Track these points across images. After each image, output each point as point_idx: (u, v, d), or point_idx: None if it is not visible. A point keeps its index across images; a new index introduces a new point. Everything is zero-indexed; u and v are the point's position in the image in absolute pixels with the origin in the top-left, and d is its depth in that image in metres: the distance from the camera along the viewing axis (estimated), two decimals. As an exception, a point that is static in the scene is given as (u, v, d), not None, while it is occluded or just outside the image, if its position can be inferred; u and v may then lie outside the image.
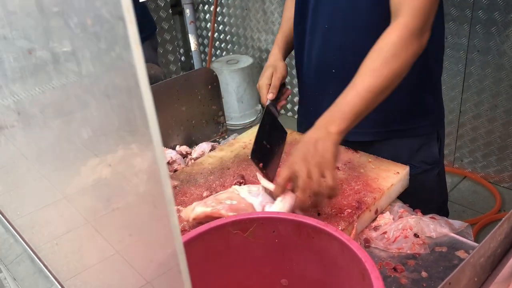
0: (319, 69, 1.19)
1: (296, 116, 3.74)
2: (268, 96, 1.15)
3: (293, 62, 3.42)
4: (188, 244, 0.66)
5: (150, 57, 2.38)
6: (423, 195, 1.25)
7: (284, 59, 1.26)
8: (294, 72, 3.43)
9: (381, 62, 0.93)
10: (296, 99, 3.55)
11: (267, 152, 1.07)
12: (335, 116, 0.93)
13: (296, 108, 3.58)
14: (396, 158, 1.19)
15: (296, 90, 3.63)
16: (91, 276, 0.64)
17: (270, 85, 1.17)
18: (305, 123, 1.32)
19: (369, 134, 1.21)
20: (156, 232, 0.30)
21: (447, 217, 1.33)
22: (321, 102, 1.21)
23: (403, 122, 1.19)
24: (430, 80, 1.21)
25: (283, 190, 0.90)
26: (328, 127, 0.92)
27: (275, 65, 1.21)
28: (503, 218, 0.70)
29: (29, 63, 0.36)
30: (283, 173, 0.90)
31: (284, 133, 1.16)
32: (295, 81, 3.53)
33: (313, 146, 0.89)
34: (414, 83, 1.14)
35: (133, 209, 0.33)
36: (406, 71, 0.97)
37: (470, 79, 2.50)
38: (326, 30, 1.13)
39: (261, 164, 1.02)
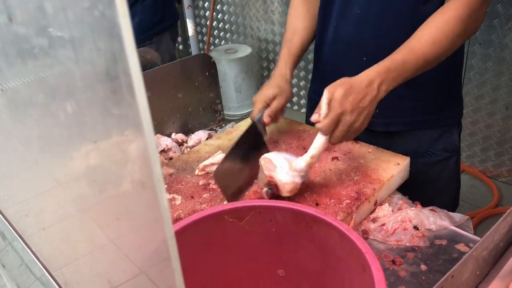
0: (348, 58, 1.14)
1: (295, 108, 3.68)
2: (264, 119, 1.08)
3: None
4: (182, 232, 0.64)
5: (168, 48, 2.25)
6: (440, 183, 1.24)
7: (291, 79, 1.18)
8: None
9: (444, 35, 0.93)
10: (295, 90, 3.52)
11: (236, 172, 1.02)
12: (390, 75, 0.93)
13: (300, 101, 3.55)
14: (417, 147, 1.17)
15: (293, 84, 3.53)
16: (81, 264, 0.61)
17: (268, 104, 1.10)
18: None
19: (396, 124, 1.18)
20: (144, 214, 0.27)
21: (457, 206, 1.32)
22: None
23: (431, 112, 1.17)
24: (458, 69, 1.19)
25: (329, 131, 0.92)
26: (382, 85, 0.93)
27: (281, 87, 1.12)
28: (507, 211, 0.68)
29: (9, 31, 0.34)
30: (331, 117, 0.91)
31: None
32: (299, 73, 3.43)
33: (365, 103, 0.91)
34: (446, 72, 1.13)
35: (120, 191, 0.30)
36: (452, 52, 0.97)
37: (471, 72, 2.47)
38: (359, 17, 1.08)
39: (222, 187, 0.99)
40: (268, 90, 1.11)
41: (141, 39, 2.03)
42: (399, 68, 0.94)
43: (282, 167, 0.92)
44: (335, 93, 0.91)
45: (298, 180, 0.93)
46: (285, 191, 0.92)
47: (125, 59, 0.20)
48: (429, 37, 0.94)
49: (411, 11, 1.02)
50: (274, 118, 1.11)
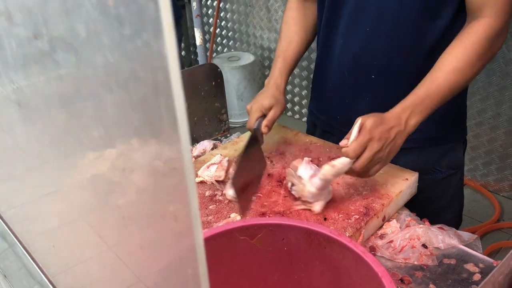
0: (355, 75, 1.13)
1: (296, 117, 3.66)
2: (263, 129, 1.11)
3: (303, 64, 3.31)
4: (192, 249, 0.62)
5: None
6: (444, 200, 1.23)
7: (285, 90, 1.20)
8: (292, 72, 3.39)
9: (465, 61, 0.93)
10: (297, 99, 3.51)
11: (246, 181, 1.03)
12: (416, 109, 0.94)
13: (300, 109, 3.54)
14: (423, 164, 1.16)
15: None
16: (84, 272, 0.60)
17: (263, 114, 1.12)
18: (329, 132, 1.27)
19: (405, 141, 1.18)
20: (174, 248, 0.26)
21: (460, 223, 1.31)
22: (353, 108, 1.15)
23: (438, 130, 1.16)
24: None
25: (355, 156, 0.92)
26: (409, 119, 0.94)
27: (278, 99, 1.14)
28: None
29: (34, 50, 0.33)
30: (359, 142, 0.92)
31: (264, 164, 1.12)
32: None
33: (392, 133, 0.93)
34: None
35: (148, 220, 0.29)
36: (476, 76, 0.97)
37: (474, 85, 2.47)
38: (368, 34, 1.06)
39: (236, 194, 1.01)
40: (264, 100, 1.13)
41: None
42: (424, 102, 0.94)
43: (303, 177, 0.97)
44: (366, 122, 0.93)
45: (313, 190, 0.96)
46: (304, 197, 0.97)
47: (169, 92, 0.19)
48: (452, 63, 0.94)
49: (421, 27, 1.02)
50: (271, 126, 1.14)
